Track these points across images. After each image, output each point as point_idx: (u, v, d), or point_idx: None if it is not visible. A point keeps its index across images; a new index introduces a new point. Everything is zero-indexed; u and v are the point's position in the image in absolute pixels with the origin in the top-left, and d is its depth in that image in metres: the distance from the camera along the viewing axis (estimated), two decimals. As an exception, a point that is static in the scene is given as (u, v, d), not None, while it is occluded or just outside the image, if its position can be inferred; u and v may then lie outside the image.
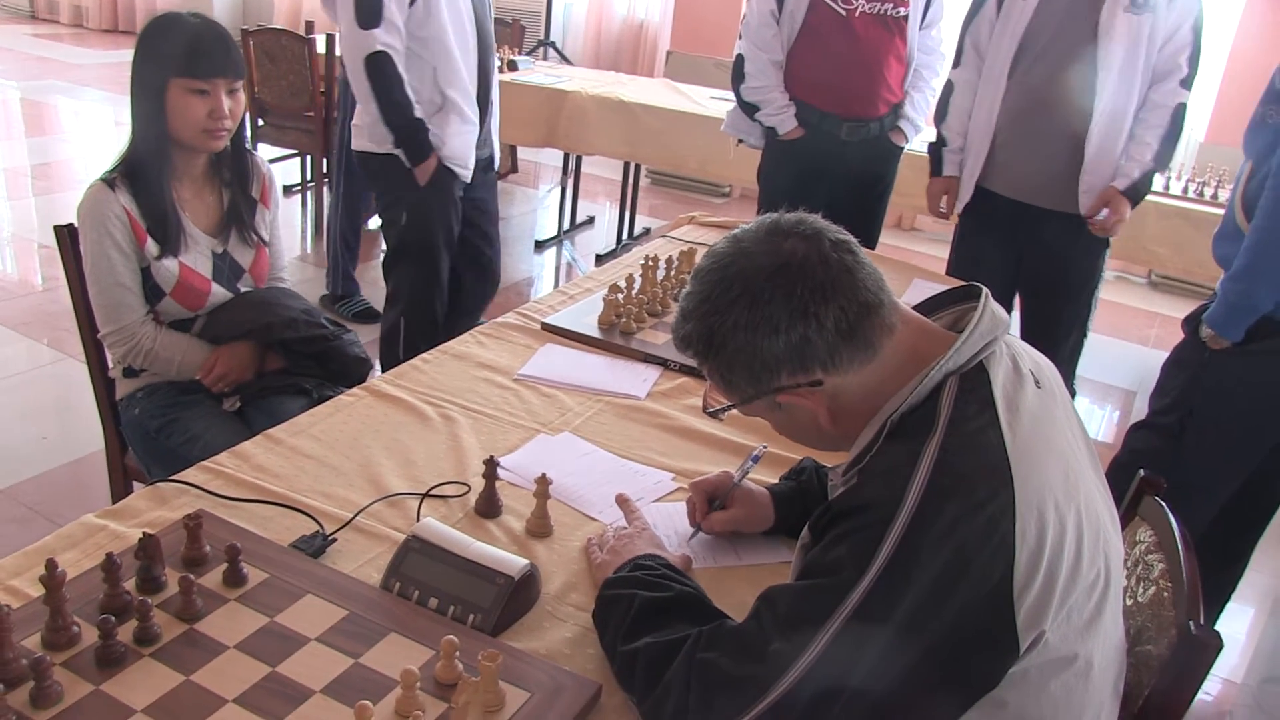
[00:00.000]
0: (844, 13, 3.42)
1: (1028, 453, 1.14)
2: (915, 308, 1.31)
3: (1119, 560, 1.26)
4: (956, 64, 3.33)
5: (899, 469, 1.13)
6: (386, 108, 3.02)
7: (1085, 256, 3.26)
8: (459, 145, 3.17)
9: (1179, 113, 3.07)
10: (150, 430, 2.25)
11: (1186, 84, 3.06)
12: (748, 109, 3.64)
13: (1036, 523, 1.10)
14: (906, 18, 3.49)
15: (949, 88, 3.36)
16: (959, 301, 1.32)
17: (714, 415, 1.35)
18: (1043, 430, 1.19)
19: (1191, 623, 1.30)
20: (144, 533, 1.37)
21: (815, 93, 3.55)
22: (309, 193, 5.84)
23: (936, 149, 3.42)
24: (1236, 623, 3.07)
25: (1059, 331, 3.35)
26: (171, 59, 2.10)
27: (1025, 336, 3.31)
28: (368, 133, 3.14)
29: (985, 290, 1.26)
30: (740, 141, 3.85)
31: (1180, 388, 2.48)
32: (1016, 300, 3.46)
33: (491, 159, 3.47)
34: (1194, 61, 3.06)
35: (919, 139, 3.80)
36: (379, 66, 2.95)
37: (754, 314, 1.18)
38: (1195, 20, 3.03)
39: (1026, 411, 1.18)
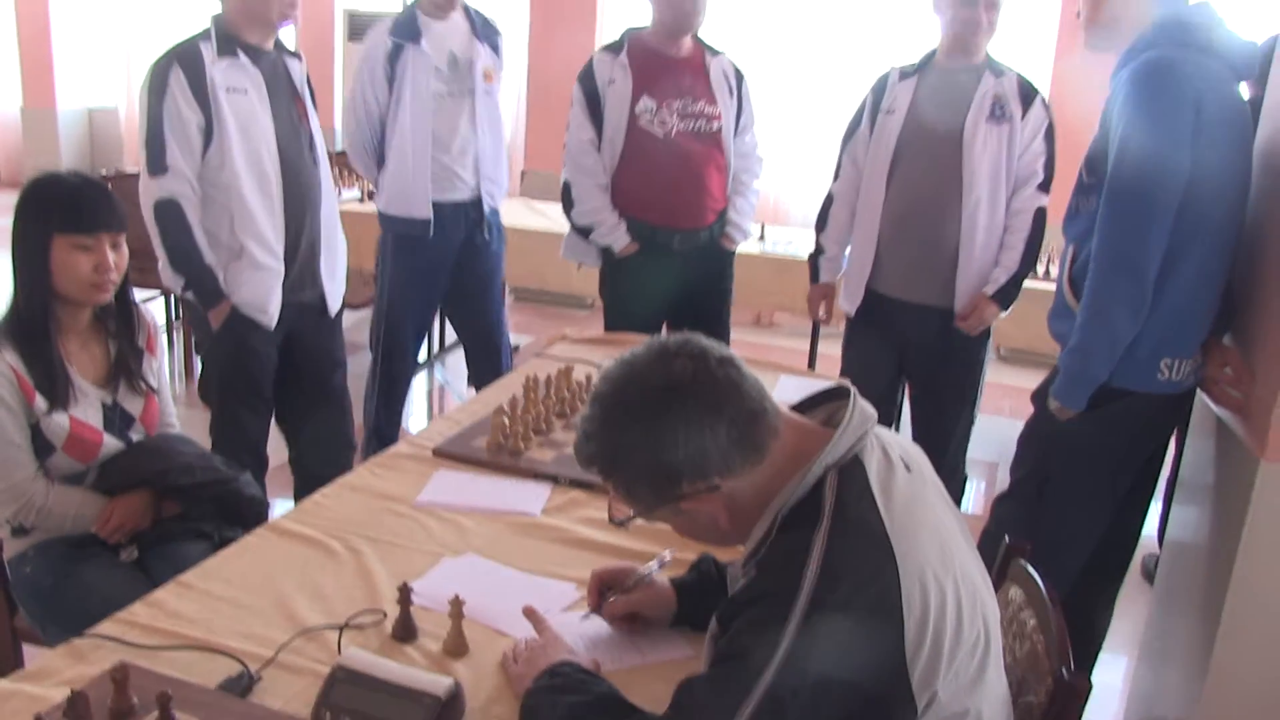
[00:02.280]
0: (660, 134, 3.59)
1: (905, 531, 1.27)
2: (792, 408, 1.45)
3: (996, 620, 1.39)
4: (836, 177, 3.54)
5: (793, 557, 1.25)
6: (172, 253, 3.00)
7: (967, 348, 3.42)
8: (252, 292, 3.06)
9: (1039, 216, 3.31)
10: (45, 588, 2.23)
11: (1044, 188, 3.32)
12: (581, 232, 3.75)
13: (920, 593, 1.22)
14: (720, 129, 3.67)
15: (829, 200, 3.57)
16: (829, 399, 1.46)
17: (620, 525, 1.46)
18: (916, 510, 1.32)
19: (1064, 669, 1.43)
20: (72, 690, 1.39)
21: (644, 209, 3.67)
22: (176, 333, 5.79)
23: (815, 257, 3.63)
24: (1111, 672, 3.24)
25: (947, 420, 3.46)
26: (55, 216, 2.15)
27: (916, 427, 3.48)
28: (164, 276, 3.10)
29: (853, 389, 1.40)
30: (581, 265, 3.92)
31: (1035, 458, 2.67)
32: (906, 392, 3.61)
33: (323, 302, 3.28)
34: (1049, 167, 3.32)
35: (754, 241, 4.00)
36: (164, 213, 2.95)
37: (653, 431, 1.30)
38: (1046, 129, 3.31)
39: (899, 494, 1.31)
